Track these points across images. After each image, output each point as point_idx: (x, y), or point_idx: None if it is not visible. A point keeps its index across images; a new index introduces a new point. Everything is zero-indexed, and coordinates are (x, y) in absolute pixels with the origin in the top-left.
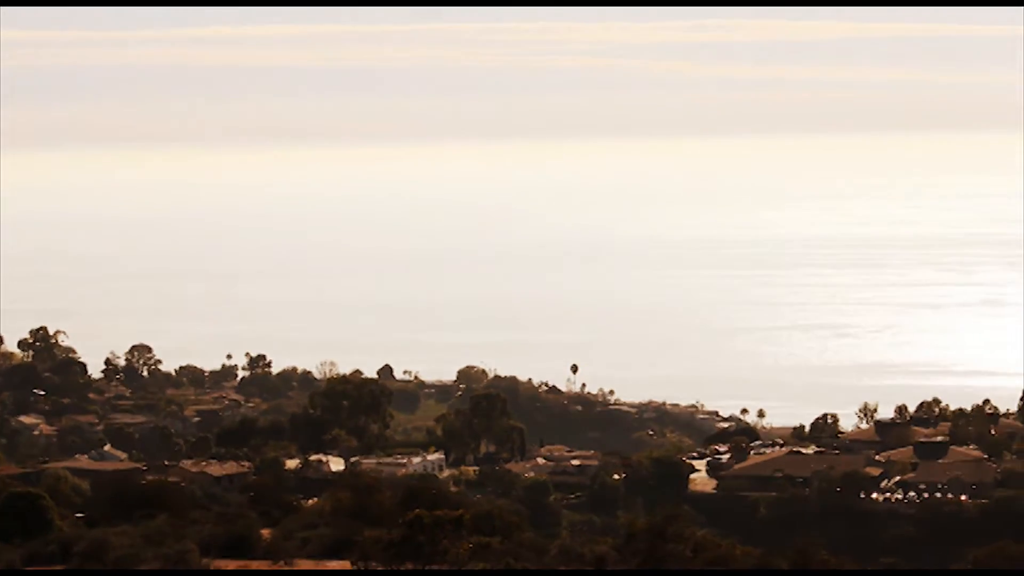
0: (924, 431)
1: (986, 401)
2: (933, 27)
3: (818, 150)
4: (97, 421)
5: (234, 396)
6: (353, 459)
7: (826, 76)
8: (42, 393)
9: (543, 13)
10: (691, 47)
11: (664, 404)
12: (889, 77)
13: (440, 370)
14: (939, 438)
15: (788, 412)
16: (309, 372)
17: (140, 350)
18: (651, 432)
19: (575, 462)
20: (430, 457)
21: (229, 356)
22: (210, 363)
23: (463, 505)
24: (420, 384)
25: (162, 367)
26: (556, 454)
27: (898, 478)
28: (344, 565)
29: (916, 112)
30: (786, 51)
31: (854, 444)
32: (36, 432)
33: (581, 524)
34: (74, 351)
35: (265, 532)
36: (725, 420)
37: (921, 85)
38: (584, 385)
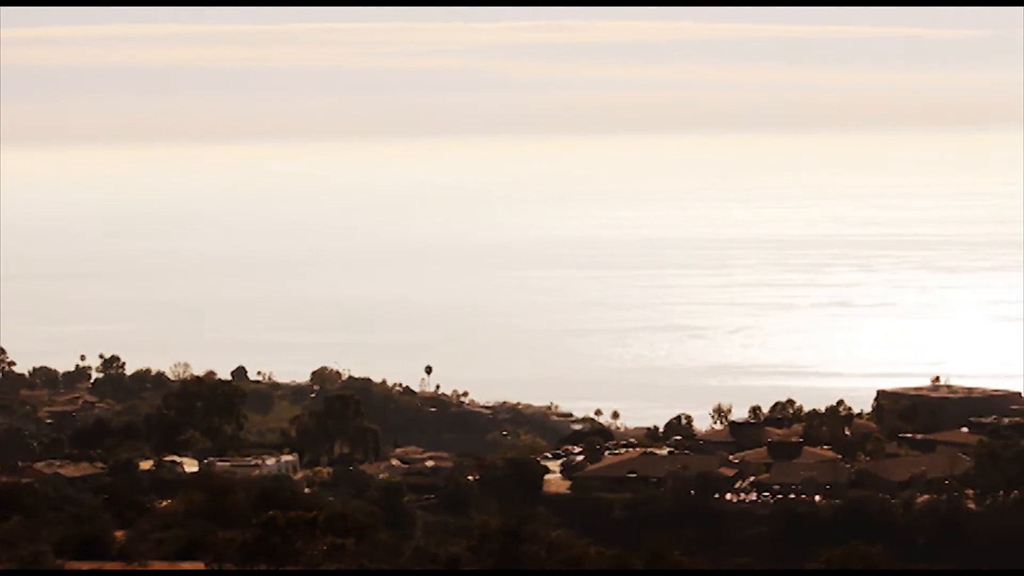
0: (778, 432)
1: (840, 402)
2: (786, 28)
3: (670, 150)
4: None
5: (88, 397)
6: (207, 460)
7: (676, 77)
8: None
9: (392, 13)
10: (543, 48)
11: (518, 405)
12: (743, 78)
13: (294, 371)
14: (793, 439)
15: (642, 413)
16: (163, 373)
17: None
18: (505, 433)
19: (429, 463)
20: (284, 458)
21: (83, 357)
22: (64, 364)
23: (317, 506)
24: (274, 385)
25: (16, 368)
26: (410, 455)
27: (752, 478)
28: (198, 566)
29: (766, 113)
30: (642, 52)
31: (708, 445)
32: None
33: (435, 525)
34: None
35: (119, 533)
36: (579, 421)
37: (773, 86)
38: (438, 386)
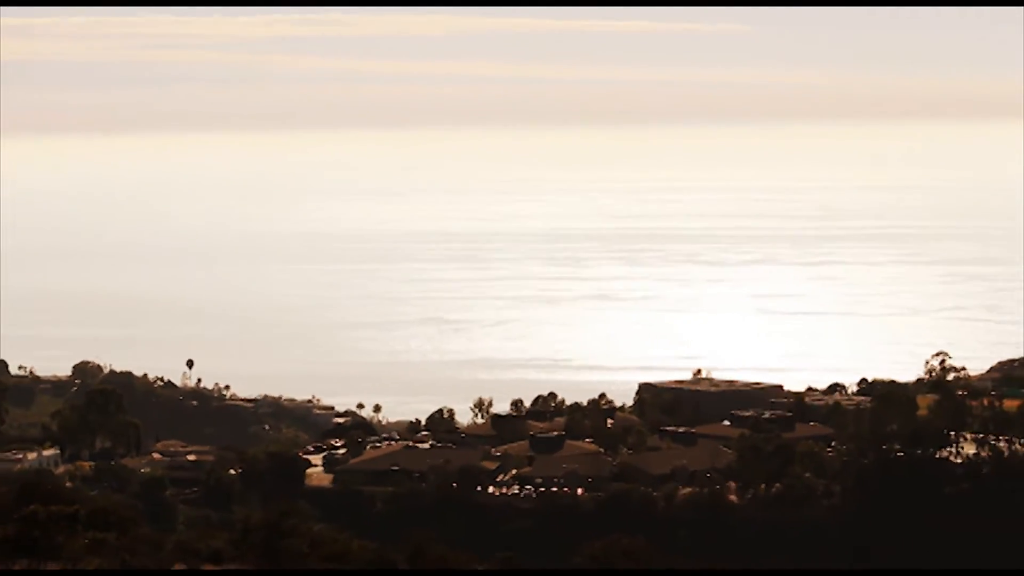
0: (540, 425)
1: (602, 395)
2: (574, 23)
3: (434, 145)
4: None
5: None
6: None
7: (451, 71)
8: None
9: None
10: (305, 41)
11: (280, 399)
12: (510, 73)
13: (55, 366)
14: (555, 432)
15: (404, 407)
16: None
17: None
18: (267, 427)
19: (191, 457)
20: (45, 453)
21: None
22: None
23: (79, 501)
24: (35, 379)
25: None
26: (172, 449)
27: (514, 472)
28: None
29: (532, 108)
30: (409, 45)
31: (470, 438)
32: None
33: (197, 519)
34: None
35: None
36: (341, 415)
37: (529, 81)
38: (200, 380)
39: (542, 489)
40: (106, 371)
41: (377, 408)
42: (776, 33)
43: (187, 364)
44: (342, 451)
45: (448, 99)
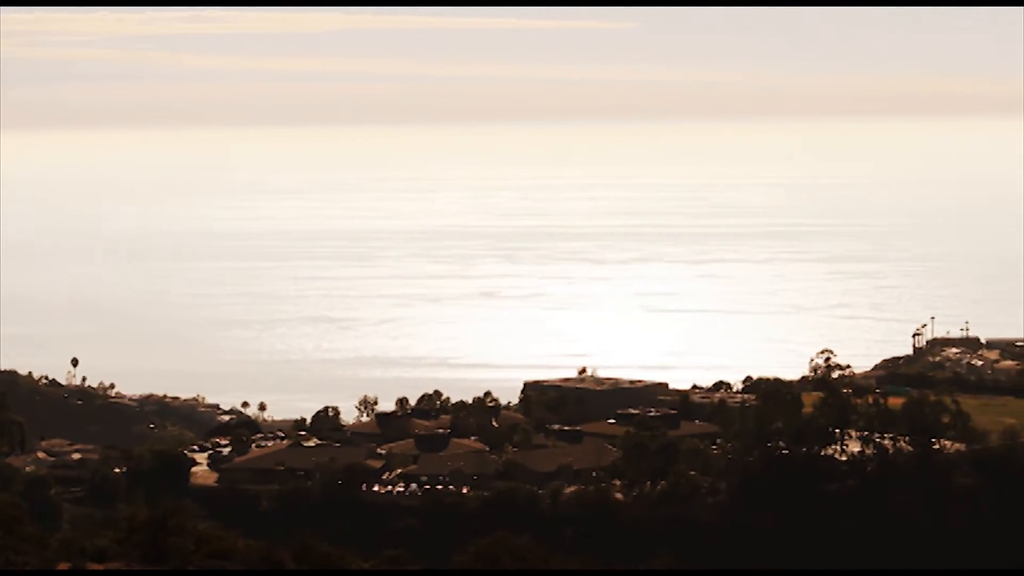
0: (425, 423)
1: (487, 393)
2: (447, 21)
3: (311, 142)
4: None
5: None
6: None
7: (338, 68)
8: None
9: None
10: (187, 38)
11: (165, 397)
12: (393, 69)
13: None
14: (440, 430)
15: (289, 405)
16: None
17: None
18: (152, 425)
19: (76, 456)
20: None
21: None
22: None
23: None
24: None
25: None
26: (57, 448)
27: (400, 470)
28: None
29: (416, 105)
30: (288, 43)
31: (356, 437)
32: None
33: (82, 518)
34: None
35: None
36: (226, 413)
37: (423, 78)
38: (85, 378)
39: (427, 487)
40: None
41: (262, 406)
42: (664, 30)
43: (72, 362)
44: (227, 449)
45: (333, 97)
